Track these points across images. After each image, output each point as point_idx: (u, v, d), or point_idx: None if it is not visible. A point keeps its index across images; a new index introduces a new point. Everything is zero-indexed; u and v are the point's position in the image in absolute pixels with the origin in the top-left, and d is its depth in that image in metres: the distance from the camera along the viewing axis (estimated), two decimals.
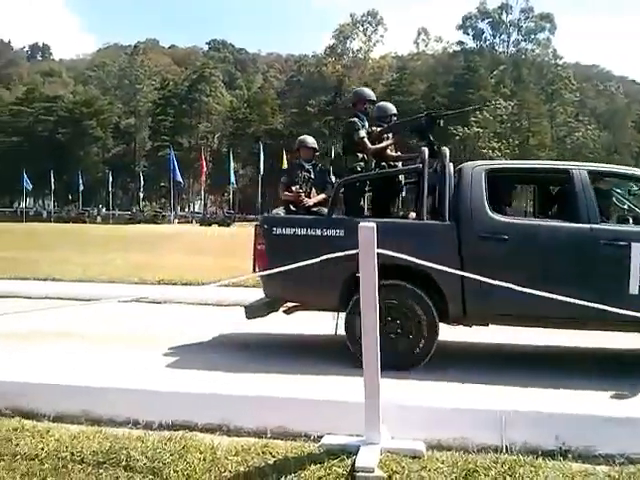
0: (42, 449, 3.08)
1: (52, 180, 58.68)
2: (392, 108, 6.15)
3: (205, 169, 60.83)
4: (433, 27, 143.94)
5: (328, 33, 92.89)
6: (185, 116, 73.06)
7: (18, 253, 13.77)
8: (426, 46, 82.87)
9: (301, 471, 2.87)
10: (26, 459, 2.99)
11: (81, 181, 59.79)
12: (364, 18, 78.28)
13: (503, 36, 77.49)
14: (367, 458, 2.91)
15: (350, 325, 4.57)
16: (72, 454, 3.04)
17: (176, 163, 55.12)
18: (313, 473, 2.86)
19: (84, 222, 50.04)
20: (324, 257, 3.28)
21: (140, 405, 3.55)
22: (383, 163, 5.63)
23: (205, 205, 74.42)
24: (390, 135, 5.73)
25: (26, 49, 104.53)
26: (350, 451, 3.01)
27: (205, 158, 62.00)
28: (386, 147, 5.70)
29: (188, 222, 55.00)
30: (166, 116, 72.73)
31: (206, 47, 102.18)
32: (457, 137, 64.10)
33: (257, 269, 4.94)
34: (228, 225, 46.93)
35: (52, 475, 2.85)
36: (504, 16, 75.87)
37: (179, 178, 56.40)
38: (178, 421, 3.45)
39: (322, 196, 5.57)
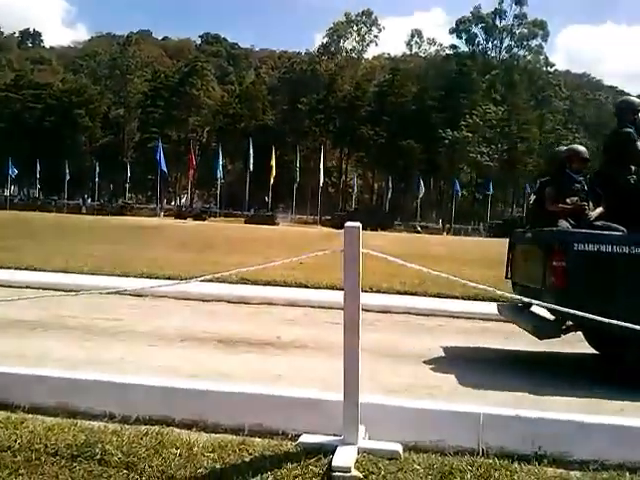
0: (15, 441, 3.03)
1: (38, 168, 58.10)
2: None
3: (193, 163, 60.57)
4: (427, 29, 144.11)
5: (322, 31, 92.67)
6: (175, 109, 72.59)
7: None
8: (419, 48, 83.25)
9: (278, 469, 2.85)
10: None
11: (67, 170, 59.31)
12: (359, 18, 78.38)
13: (496, 41, 78.09)
14: (344, 458, 2.89)
15: None
16: (46, 446, 2.99)
17: (162, 154, 54.83)
18: (290, 472, 2.84)
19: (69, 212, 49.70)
20: None
21: (117, 398, 3.51)
22: None
23: (192, 199, 74.09)
24: None
25: (17, 35, 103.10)
26: (327, 450, 3.00)
27: (194, 152, 61.74)
28: None
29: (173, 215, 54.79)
30: (156, 108, 72.24)
31: (199, 40, 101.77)
32: (446, 140, 64.46)
33: (552, 287, 4.56)
34: (203, 219, 46.88)
35: (24, 467, 2.80)
36: (497, 21, 76.39)
37: (164, 168, 56.07)
38: (155, 416, 3.41)
39: (600, 209, 5.22)
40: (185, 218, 46.60)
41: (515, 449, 3.12)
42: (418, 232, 48.20)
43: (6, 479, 2.70)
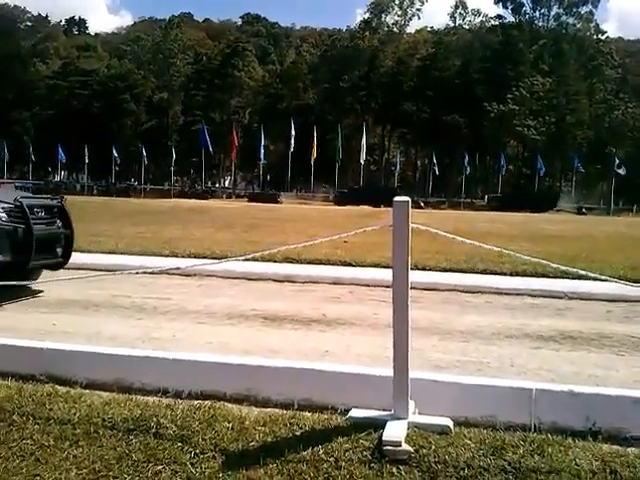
0: (74, 414, 3.15)
1: (86, 153, 59.55)
2: None
3: (236, 144, 60.97)
4: (471, 0, 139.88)
5: (363, 7, 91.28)
6: (217, 91, 73.05)
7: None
8: (463, 20, 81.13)
9: (328, 443, 2.87)
10: (59, 423, 3.06)
11: (115, 155, 60.62)
12: None
13: (543, 10, 75.21)
14: (395, 432, 2.89)
15: None
16: (103, 420, 3.10)
17: (207, 135, 55.41)
18: (340, 445, 2.85)
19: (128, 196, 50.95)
20: None
21: (169, 374, 3.60)
22: None
23: (235, 181, 74.76)
24: None
25: (63, 23, 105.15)
26: (377, 425, 3.00)
27: (237, 133, 62.10)
28: None
29: (219, 197, 55.50)
30: (198, 91, 72.90)
31: (240, 21, 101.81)
32: (492, 114, 62.93)
33: None
34: (206, 198, 47.97)
35: (84, 439, 2.91)
36: None
37: (209, 147, 56.70)
38: (207, 391, 3.49)
39: None
40: (190, 198, 46.91)
41: (568, 425, 3.07)
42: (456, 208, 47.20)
43: (67, 450, 2.81)
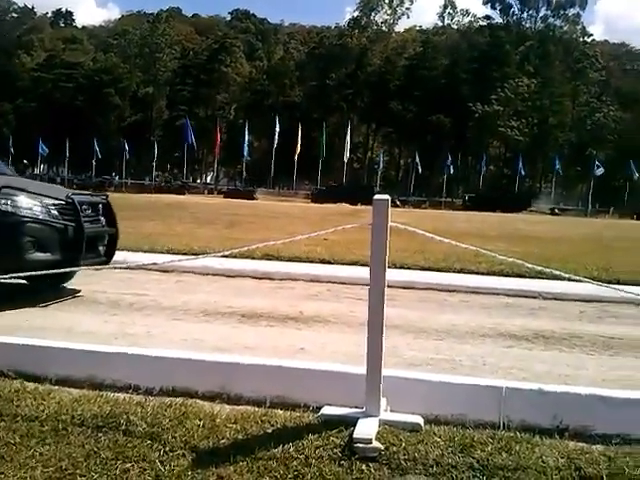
0: (43, 411, 3.11)
1: (67, 147, 58.92)
2: None
3: (219, 140, 60.74)
4: (460, 0, 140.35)
5: (352, 5, 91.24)
6: (204, 86, 72.72)
7: None
8: (452, 20, 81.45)
9: (299, 440, 2.87)
10: (26, 420, 3.02)
11: (97, 149, 60.08)
12: None
13: (531, 11, 75.79)
14: (366, 429, 2.91)
15: None
16: (72, 417, 3.06)
17: (190, 130, 55.15)
18: (311, 443, 2.86)
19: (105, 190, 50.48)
20: None
21: (141, 370, 3.58)
22: None
23: (217, 177, 74.47)
24: None
25: (49, 15, 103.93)
26: (349, 422, 3.01)
27: (220, 129, 61.88)
28: None
29: (200, 193, 55.31)
30: (184, 86, 72.51)
31: (229, 17, 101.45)
32: (476, 115, 63.33)
33: None
34: (183, 194, 48.01)
35: (52, 437, 2.87)
36: None
37: (191, 141, 56.40)
38: (178, 388, 3.47)
39: None
40: (162, 193, 46.89)
41: (537, 423, 3.11)
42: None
43: (34, 448, 2.78)
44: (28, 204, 5.69)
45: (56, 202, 5.95)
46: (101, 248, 6.57)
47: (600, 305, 6.87)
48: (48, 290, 6.37)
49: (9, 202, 5.58)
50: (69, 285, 6.79)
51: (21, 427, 2.95)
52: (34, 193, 5.87)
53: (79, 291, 6.63)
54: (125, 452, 2.77)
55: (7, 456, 2.70)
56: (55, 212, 5.87)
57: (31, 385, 3.44)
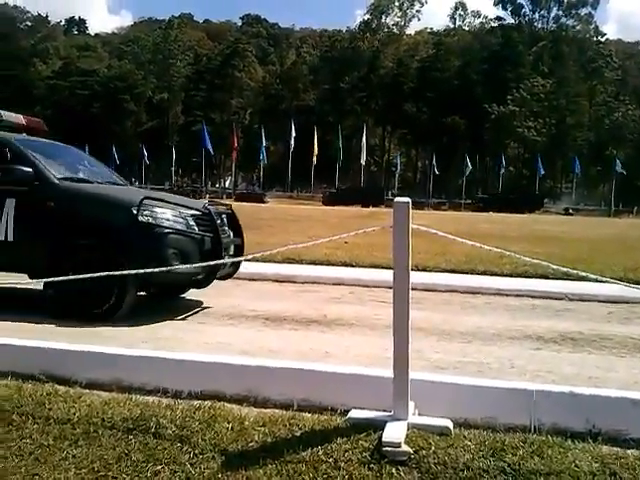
0: (74, 414, 3.14)
1: (87, 153, 59.33)
2: None
3: (236, 145, 61.02)
4: (471, 2, 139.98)
5: (363, 8, 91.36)
6: (218, 91, 73.15)
7: None
8: (463, 21, 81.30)
9: (328, 444, 2.86)
10: (59, 423, 3.05)
11: (116, 155, 60.62)
12: None
13: (543, 11, 75.47)
14: (394, 433, 2.88)
15: None
16: (103, 420, 3.08)
17: (207, 136, 55.47)
18: (340, 446, 2.84)
19: None
20: None
21: (170, 374, 3.59)
22: None
23: (235, 181, 74.80)
24: None
25: (63, 23, 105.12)
26: (377, 426, 2.99)
27: (236, 134, 62.16)
28: None
29: (218, 197, 55.60)
30: (199, 91, 73.01)
31: (240, 22, 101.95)
32: (492, 116, 63.03)
33: None
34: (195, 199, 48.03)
35: (83, 439, 2.90)
36: None
37: (209, 147, 56.74)
38: (207, 391, 3.48)
39: None
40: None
41: (569, 426, 3.06)
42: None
43: (67, 450, 2.80)
44: (169, 216, 5.59)
45: (194, 213, 5.87)
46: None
47: (627, 306, 6.78)
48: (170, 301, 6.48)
49: (151, 214, 5.47)
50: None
51: (54, 430, 2.98)
52: (173, 204, 5.80)
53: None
54: (155, 454, 2.78)
55: (41, 458, 2.74)
56: (193, 223, 5.77)
57: (62, 388, 3.48)
